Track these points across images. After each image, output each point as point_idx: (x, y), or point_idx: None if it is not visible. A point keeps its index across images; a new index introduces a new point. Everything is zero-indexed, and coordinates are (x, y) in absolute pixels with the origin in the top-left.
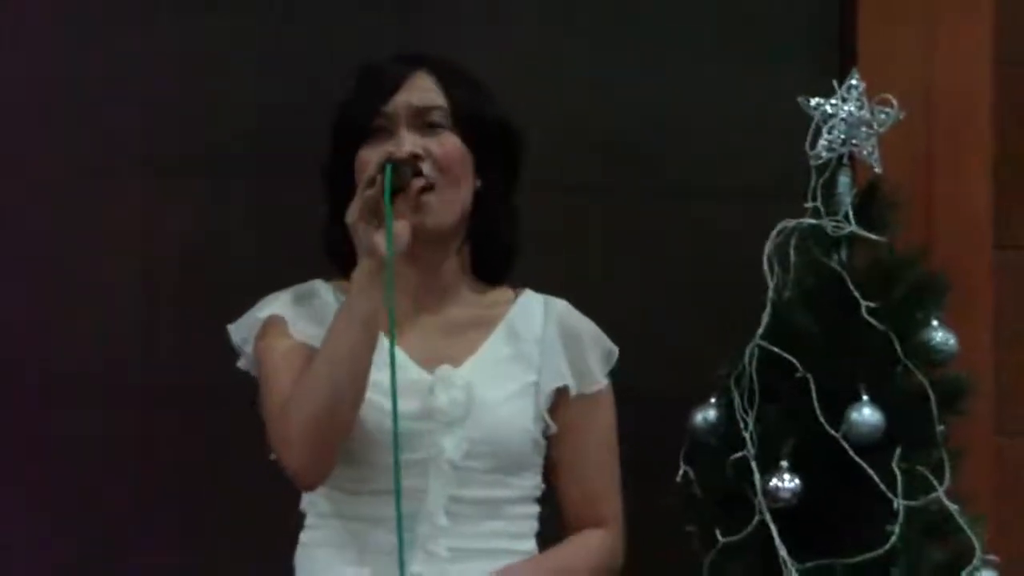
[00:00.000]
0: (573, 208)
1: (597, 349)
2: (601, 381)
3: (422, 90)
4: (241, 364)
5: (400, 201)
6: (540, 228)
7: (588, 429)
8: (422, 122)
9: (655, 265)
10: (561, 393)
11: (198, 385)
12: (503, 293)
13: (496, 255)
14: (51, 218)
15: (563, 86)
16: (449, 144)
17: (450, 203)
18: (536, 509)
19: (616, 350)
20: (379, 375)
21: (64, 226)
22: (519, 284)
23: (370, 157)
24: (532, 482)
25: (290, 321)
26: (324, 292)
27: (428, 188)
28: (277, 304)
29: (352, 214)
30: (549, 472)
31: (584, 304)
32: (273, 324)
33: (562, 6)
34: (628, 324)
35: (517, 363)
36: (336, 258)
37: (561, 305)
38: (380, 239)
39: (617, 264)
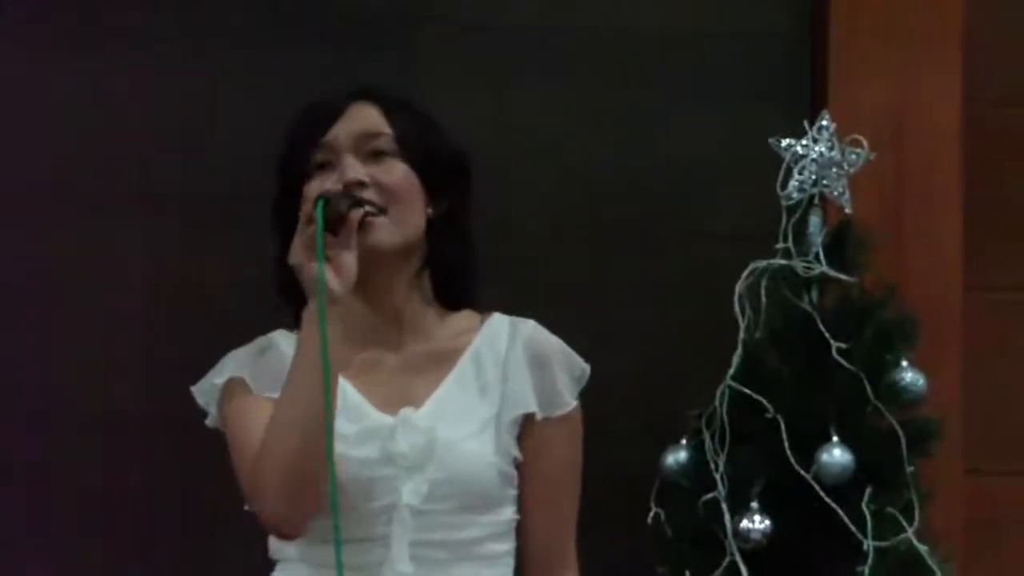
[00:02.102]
0: (549, 248)
1: (566, 370)
2: (570, 403)
3: (364, 118)
4: (209, 422)
5: (343, 235)
6: (519, 269)
7: (551, 457)
8: (367, 150)
9: (627, 305)
10: (528, 418)
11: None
12: (469, 319)
13: (453, 279)
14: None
15: (547, 133)
16: (396, 171)
17: (399, 224)
18: (511, 545)
19: (587, 369)
20: (340, 423)
21: (63, 258)
22: (487, 309)
23: (312, 191)
24: (505, 516)
25: (250, 380)
26: (283, 343)
27: (374, 213)
28: (233, 365)
29: (295, 255)
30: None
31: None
32: (233, 387)
33: (549, 58)
34: (603, 363)
35: (480, 397)
36: (287, 298)
37: (529, 327)
38: (330, 277)
39: (588, 304)
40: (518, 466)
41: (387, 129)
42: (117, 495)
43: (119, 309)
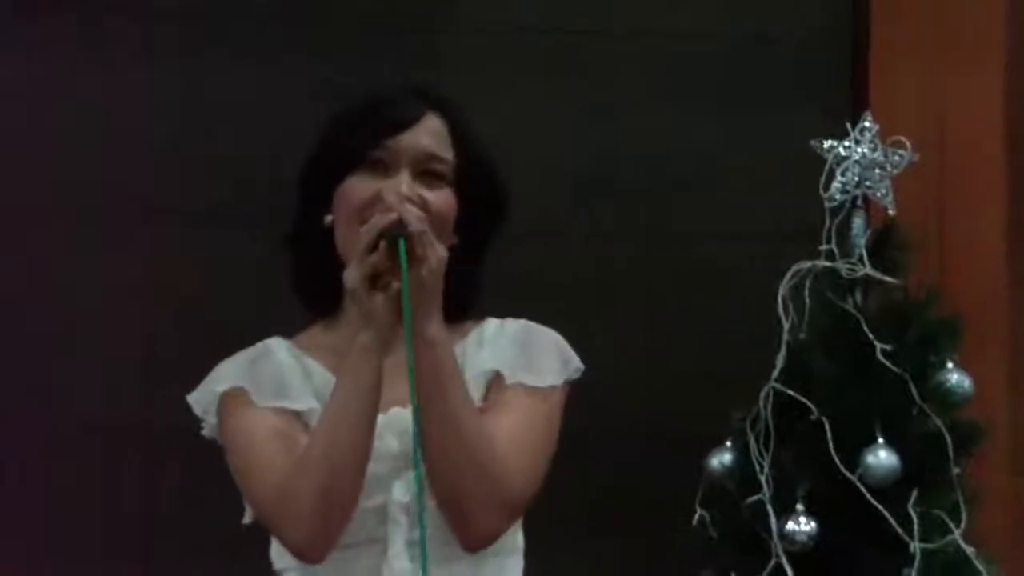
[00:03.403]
0: (587, 253)
1: (554, 354)
2: (547, 380)
3: (433, 135)
4: (205, 432)
5: (398, 266)
6: (554, 274)
7: (517, 409)
8: (423, 168)
9: (670, 309)
10: (496, 379)
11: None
12: (462, 326)
13: (459, 302)
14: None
15: (575, 135)
16: (446, 200)
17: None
18: (516, 537)
19: (581, 366)
20: None
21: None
22: (481, 316)
23: (361, 189)
24: None
25: (251, 391)
26: (280, 351)
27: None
28: (232, 374)
29: (354, 279)
30: None
31: (599, 348)
32: (234, 398)
33: (576, 54)
34: (644, 367)
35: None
36: (304, 291)
37: (520, 322)
38: (383, 307)
39: (632, 308)
40: None
41: (450, 155)
42: (116, 501)
43: (120, 315)
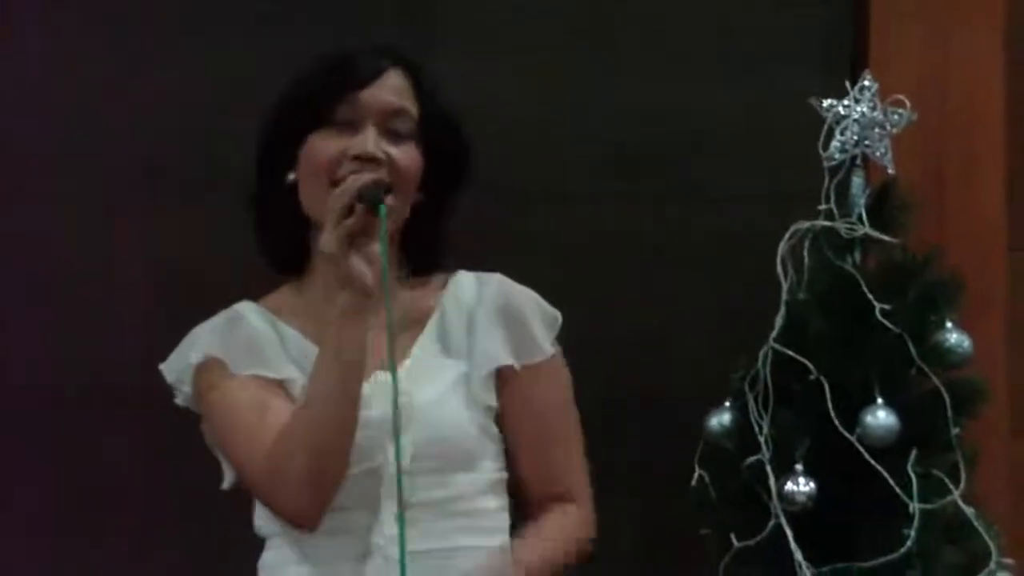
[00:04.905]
0: (588, 214)
1: (539, 317)
2: (546, 350)
3: (396, 91)
4: (179, 401)
5: (373, 226)
6: (557, 235)
7: (538, 401)
8: (390, 126)
9: (667, 269)
10: (505, 370)
11: None
12: (436, 279)
13: (427, 256)
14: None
15: (581, 96)
16: (412, 156)
17: (399, 208)
18: (503, 501)
19: (559, 315)
20: None
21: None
22: (452, 268)
23: (326, 147)
24: (486, 471)
25: (228, 360)
26: (252, 316)
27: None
28: (205, 342)
29: (329, 244)
30: (508, 456)
31: (598, 308)
32: (210, 369)
33: (582, 17)
34: (642, 327)
35: (450, 356)
36: (270, 252)
37: (495, 279)
38: (365, 270)
39: (629, 269)
40: (502, 418)
41: (415, 110)
42: (107, 473)
43: (120, 294)
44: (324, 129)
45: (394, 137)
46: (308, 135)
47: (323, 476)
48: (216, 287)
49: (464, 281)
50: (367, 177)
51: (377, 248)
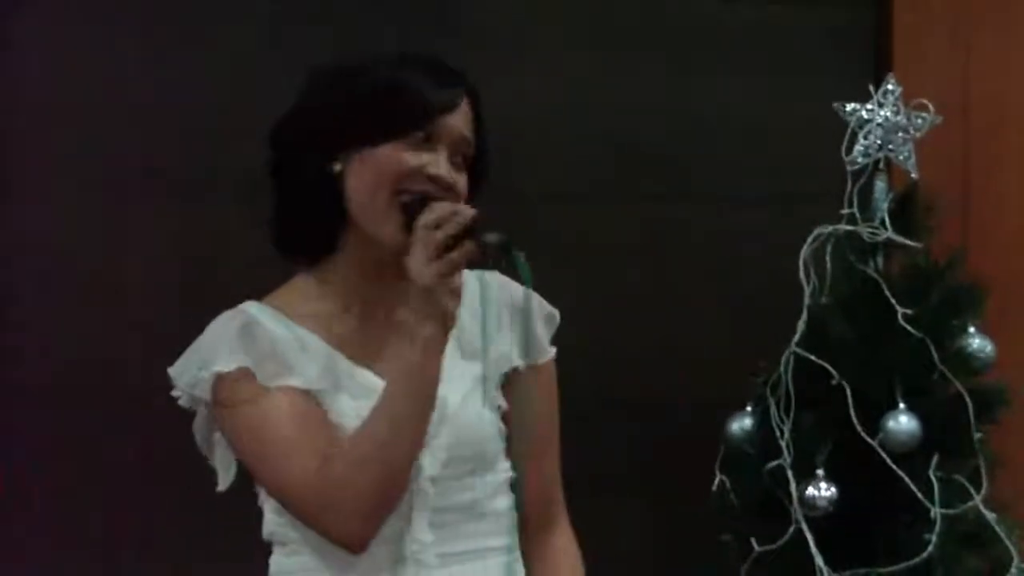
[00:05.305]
0: (607, 217)
1: (542, 316)
2: (549, 351)
3: (467, 122)
4: (183, 402)
5: (461, 254)
6: (575, 238)
7: (539, 404)
8: (456, 151)
9: (690, 272)
10: (510, 371)
11: None
12: None
13: None
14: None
15: (594, 98)
16: (465, 187)
17: None
18: (509, 500)
19: (556, 313)
20: (344, 399)
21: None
22: None
23: (400, 160)
24: (501, 472)
25: (255, 371)
26: (266, 320)
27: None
28: (227, 349)
29: (427, 276)
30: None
31: (620, 311)
32: (236, 381)
33: (596, 18)
34: (664, 331)
35: (465, 357)
36: (291, 238)
37: (495, 278)
38: (452, 304)
39: (652, 271)
40: (505, 419)
41: (473, 142)
42: (107, 473)
43: (120, 294)
44: (399, 141)
45: (456, 165)
46: (379, 142)
47: (387, 501)
48: (216, 287)
49: (467, 281)
50: (468, 211)
51: (459, 281)
